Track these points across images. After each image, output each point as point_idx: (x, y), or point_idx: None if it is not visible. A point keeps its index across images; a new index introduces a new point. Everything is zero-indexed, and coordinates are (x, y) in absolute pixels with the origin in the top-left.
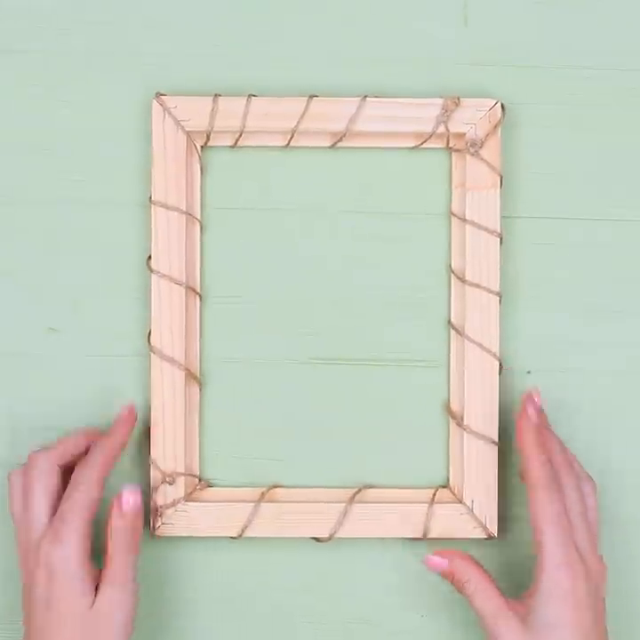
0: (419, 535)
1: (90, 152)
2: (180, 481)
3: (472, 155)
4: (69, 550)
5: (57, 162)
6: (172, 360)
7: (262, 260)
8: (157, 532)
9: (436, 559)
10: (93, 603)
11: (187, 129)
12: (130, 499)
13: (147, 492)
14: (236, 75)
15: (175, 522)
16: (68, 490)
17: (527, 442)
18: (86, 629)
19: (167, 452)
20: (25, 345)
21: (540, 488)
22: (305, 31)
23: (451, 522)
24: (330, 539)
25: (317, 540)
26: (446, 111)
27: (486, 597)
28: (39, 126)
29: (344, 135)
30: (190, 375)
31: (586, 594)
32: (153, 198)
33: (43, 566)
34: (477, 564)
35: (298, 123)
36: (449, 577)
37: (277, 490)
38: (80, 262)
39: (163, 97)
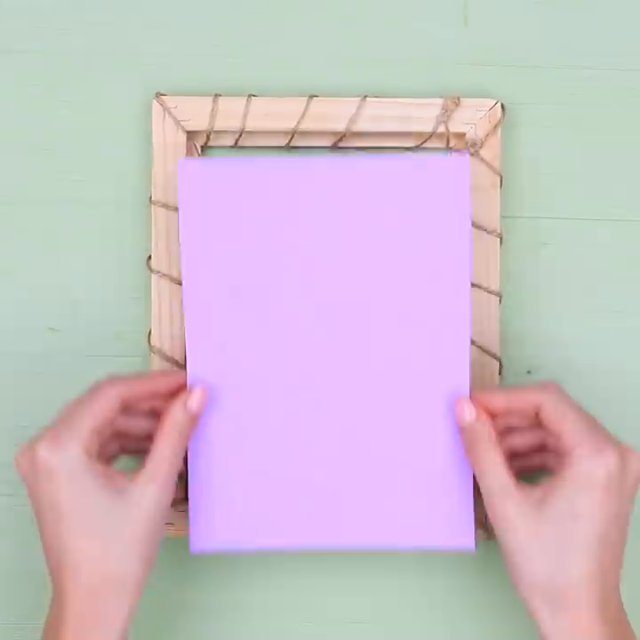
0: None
1: (90, 152)
2: (180, 483)
3: (472, 155)
4: (71, 452)
5: (57, 162)
6: (172, 360)
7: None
8: None
9: (465, 407)
10: (116, 502)
11: (187, 129)
12: (201, 400)
13: None
14: (236, 75)
15: (175, 522)
16: (80, 396)
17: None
18: (107, 531)
19: None
20: (25, 345)
21: (553, 393)
22: (305, 31)
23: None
24: None
25: None
26: (446, 111)
27: (496, 470)
28: (39, 126)
29: (344, 135)
30: None
31: (619, 491)
32: (153, 198)
33: (43, 471)
34: (496, 435)
35: (298, 123)
36: (464, 432)
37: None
38: (80, 262)
39: (163, 97)
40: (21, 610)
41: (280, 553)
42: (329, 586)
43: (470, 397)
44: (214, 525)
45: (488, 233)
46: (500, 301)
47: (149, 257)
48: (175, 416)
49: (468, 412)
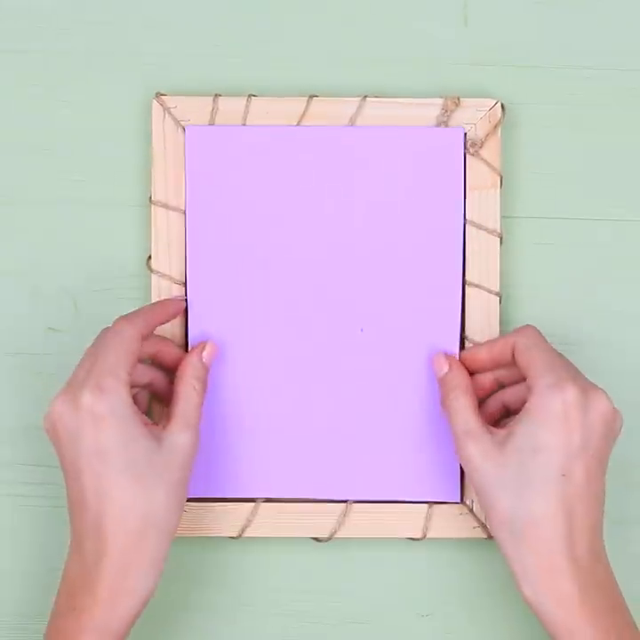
0: (418, 535)
1: (90, 152)
2: None
3: (472, 155)
4: (116, 398)
5: (57, 162)
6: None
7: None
8: None
9: (441, 360)
10: (156, 448)
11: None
12: (213, 353)
13: None
14: (236, 75)
15: None
16: (104, 338)
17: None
18: (149, 475)
19: None
20: (25, 345)
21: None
22: (305, 31)
23: (450, 522)
24: (330, 539)
25: (317, 540)
26: (446, 111)
27: (463, 414)
28: (39, 126)
29: None
30: None
31: (580, 425)
32: (153, 198)
33: (88, 417)
34: (469, 378)
35: (298, 123)
36: (440, 383)
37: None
38: (80, 262)
39: (163, 97)
40: (23, 609)
41: (280, 553)
42: (329, 586)
43: (458, 356)
44: (210, 472)
45: (488, 233)
46: (500, 301)
47: (149, 257)
48: (195, 365)
49: (444, 365)
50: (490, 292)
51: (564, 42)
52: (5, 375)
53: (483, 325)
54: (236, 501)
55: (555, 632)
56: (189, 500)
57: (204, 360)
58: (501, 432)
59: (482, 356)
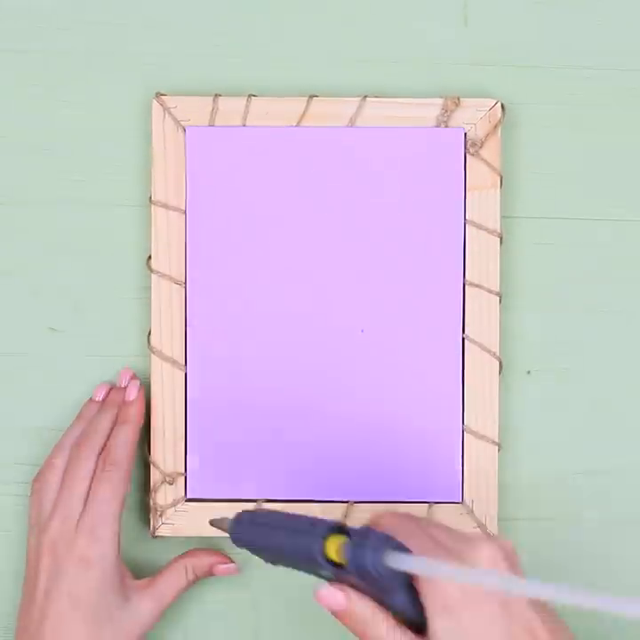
0: None
1: (90, 152)
2: (180, 481)
3: (472, 155)
4: (108, 548)
5: (57, 162)
6: (172, 360)
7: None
8: (158, 532)
9: (336, 596)
10: (122, 604)
11: (187, 129)
12: (228, 572)
13: (147, 492)
14: (236, 75)
15: (175, 522)
16: (98, 487)
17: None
18: (106, 629)
19: (167, 451)
20: (25, 345)
21: None
22: (305, 31)
23: (450, 522)
24: None
25: None
26: (446, 111)
27: None
28: (39, 126)
29: None
30: None
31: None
32: (153, 198)
33: (77, 559)
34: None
35: (298, 123)
36: (347, 618)
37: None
38: (80, 262)
39: (163, 97)
40: None
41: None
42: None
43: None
44: (209, 475)
45: (488, 233)
46: (500, 301)
47: (149, 257)
48: (203, 562)
49: (337, 599)
50: (490, 291)
51: (563, 42)
52: (5, 375)
53: (483, 325)
54: (238, 502)
55: None
56: (189, 500)
57: (214, 569)
58: None
59: None
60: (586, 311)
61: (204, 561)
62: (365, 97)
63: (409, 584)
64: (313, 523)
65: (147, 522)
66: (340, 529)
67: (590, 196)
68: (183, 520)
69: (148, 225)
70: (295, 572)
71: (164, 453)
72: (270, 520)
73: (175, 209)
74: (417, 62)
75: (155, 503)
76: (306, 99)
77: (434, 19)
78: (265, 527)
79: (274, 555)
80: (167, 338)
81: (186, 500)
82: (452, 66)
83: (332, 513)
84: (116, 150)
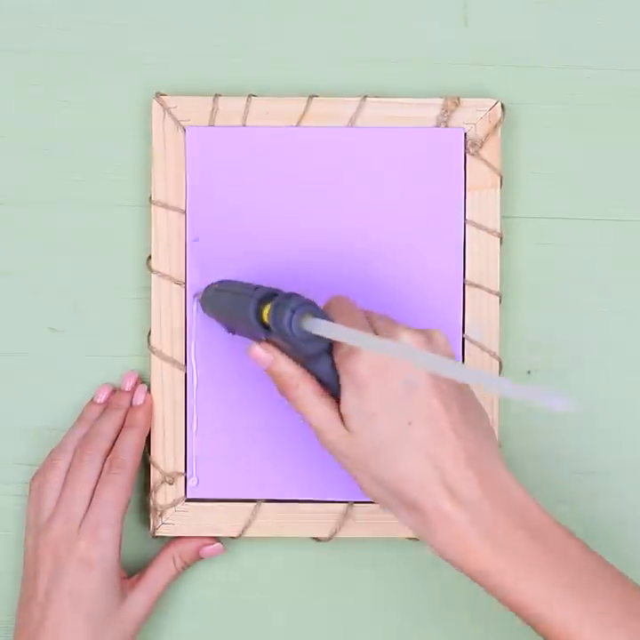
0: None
1: (90, 152)
2: (180, 481)
3: (472, 155)
4: (108, 550)
5: (57, 162)
6: (172, 360)
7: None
8: (158, 532)
9: (260, 353)
10: (118, 604)
11: (187, 129)
12: (213, 553)
13: (147, 492)
14: (236, 75)
15: (175, 522)
16: (103, 489)
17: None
18: (104, 629)
19: (167, 452)
20: (25, 345)
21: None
22: (305, 31)
23: None
24: (330, 539)
25: (317, 539)
26: (446, 111)
27: (312, 406)
28: (39, 126)
29: None
30: None
31: (389, 377)
32: (153, 198)
33: (78, 560)
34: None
35: (298, 123)
36: (273, 377)
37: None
38: (80, 262)
39: (163, 97)
40: None
41: (280, 553)
42: (329, 586)
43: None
44: (209, 475)
45: (488, 233)
46: (500, 301)
47: (149, 257)
48: (189, 548)
49: (266, 355)
50: (490, 291)
51: (564, 42)
52: (5, 375)
53: (483, 325)
54: (237, 502)
55: (472, 578)
56: (189, 500)
57: (200, 552)
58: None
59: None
60: (586, 311)
61: (189, 546)
62: (365, 97)
63: (330, 354)
64: (256, 288)
65: (147, 522)
66: (277, 296)
67: (590, 195)
68: (183, 520)
69: (148, 225)
70: None
71: (164, 453)
72: (228, 287)
73: (175, 209)
74: (417, 62)
75: (155, 503)
76: (306, 99)
77: (434, 19)
78: (221, 292)
79: (226, 319)
80: (167, 338)
81: (186, 500)
82: (452, 66)
83: (332, 513)
84: (116, 150)
